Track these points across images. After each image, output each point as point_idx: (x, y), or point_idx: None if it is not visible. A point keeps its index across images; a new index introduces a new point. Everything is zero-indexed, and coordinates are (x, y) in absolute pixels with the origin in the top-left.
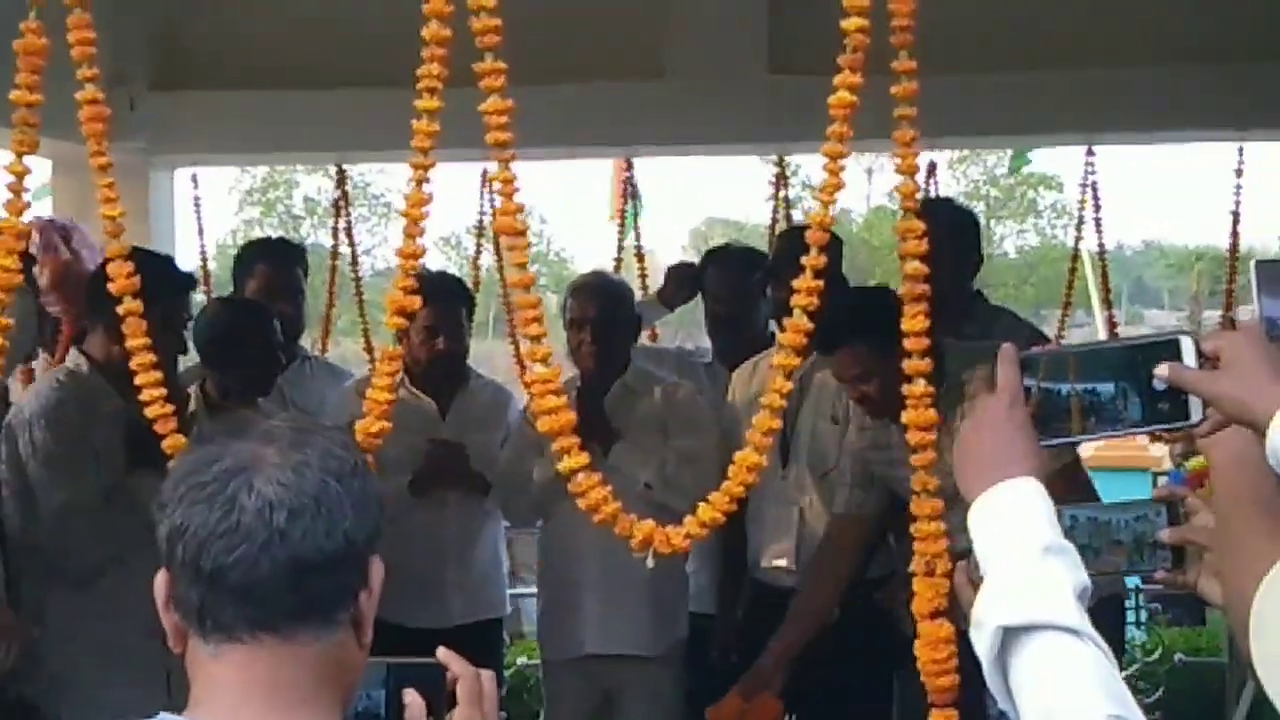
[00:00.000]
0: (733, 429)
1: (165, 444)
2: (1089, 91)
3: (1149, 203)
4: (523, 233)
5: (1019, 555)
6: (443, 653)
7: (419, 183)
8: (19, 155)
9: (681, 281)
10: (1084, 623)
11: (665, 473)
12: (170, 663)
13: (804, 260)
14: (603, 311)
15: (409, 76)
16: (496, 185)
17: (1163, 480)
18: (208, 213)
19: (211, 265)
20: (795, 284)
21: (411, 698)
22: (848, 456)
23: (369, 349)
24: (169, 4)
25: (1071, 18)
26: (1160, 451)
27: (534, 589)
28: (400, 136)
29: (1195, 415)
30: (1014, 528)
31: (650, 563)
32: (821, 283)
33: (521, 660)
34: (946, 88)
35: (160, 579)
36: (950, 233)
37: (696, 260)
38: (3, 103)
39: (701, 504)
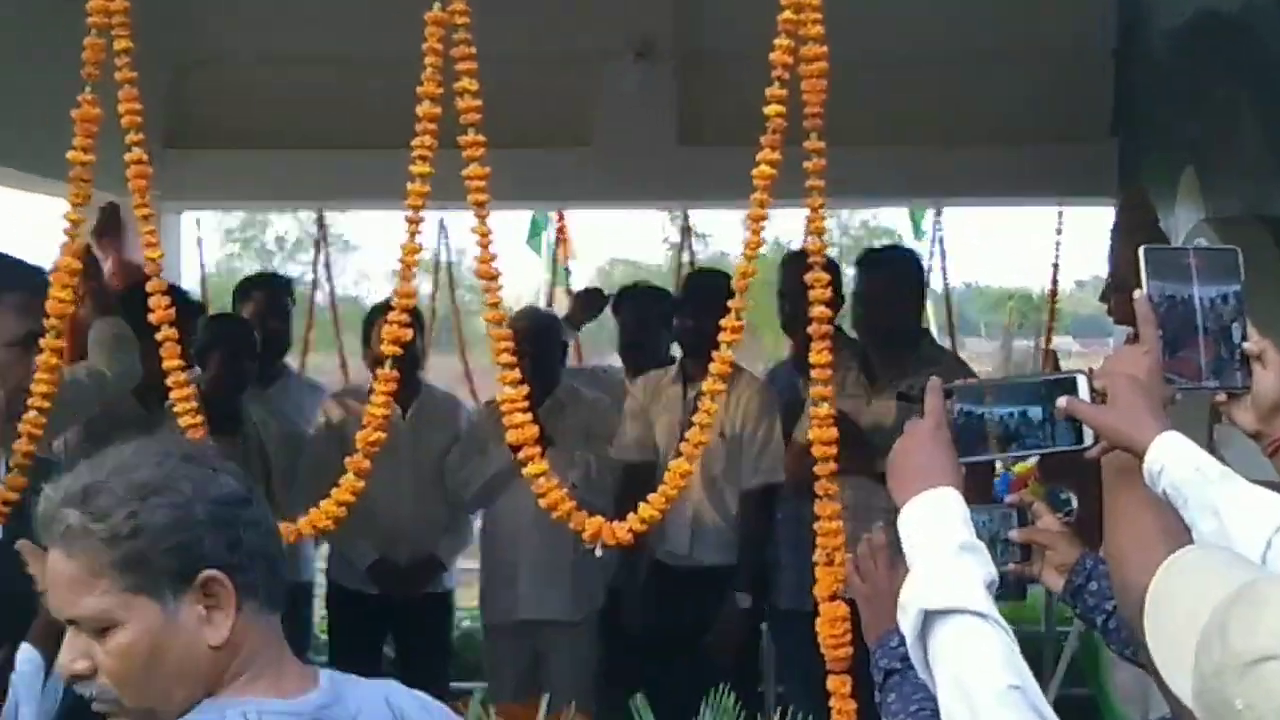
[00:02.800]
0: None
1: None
2: (940, 165)
3: (969, 251)
4: (496, 277)
5: (939, 551)
6: None
7: (412, 235)
8: (75, 205)
9: (586, 305)
10: (991, 608)
11: (590, 474)
12: None
13: (730, 303)
14: (536, 347)
15: (378, 139)
16: (475, 238)
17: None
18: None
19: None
20: (722, 322)
21: None
22: None
23: (343, 364)
24: (178, 74)
25: (924, 108)
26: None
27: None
28: (370, 189)
29: (1088, 440)
30: (936, 529)
31: (599, 552)
32: (743, 322)
33: (466, 623)
34: (829, 159)
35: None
36: (910, 276)
37: (604, 289)
38: (54, 158)
39: (642, 504)
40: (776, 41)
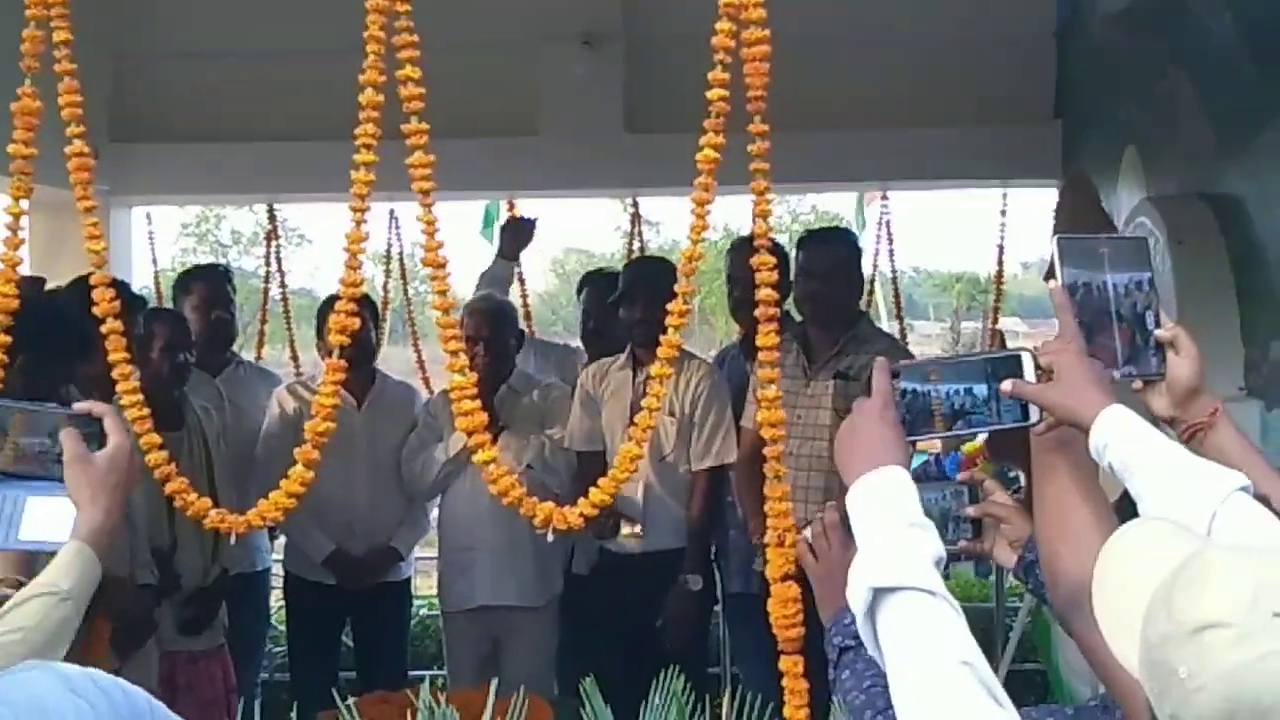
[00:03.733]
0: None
1: (141, 441)
2: (885, 148)
3: (916, 235)
4: (443, 265)
5: (888, 529)
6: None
7: (357, 224)
8: (16, 199)
9: (516, 234)
10: (940, 585)
11: (545, 457)
12: None
13: (676, 287)
14: (493, 330)
15: (327, 131)
16: (420, 226)
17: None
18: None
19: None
20: (669, 306)
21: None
22: None
23: (294, 356)
24: (126, 68)
25: (869, 92)
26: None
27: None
28: (320, 180)
29: (1034, 417)
30: (884, 507)
31: (550, 537)
32: (690, 306)
33: (424, 611)
34: (774, 144)
35: None
36: (847, 255)
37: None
38: None
39: (592, 488)
40: (718, 25)
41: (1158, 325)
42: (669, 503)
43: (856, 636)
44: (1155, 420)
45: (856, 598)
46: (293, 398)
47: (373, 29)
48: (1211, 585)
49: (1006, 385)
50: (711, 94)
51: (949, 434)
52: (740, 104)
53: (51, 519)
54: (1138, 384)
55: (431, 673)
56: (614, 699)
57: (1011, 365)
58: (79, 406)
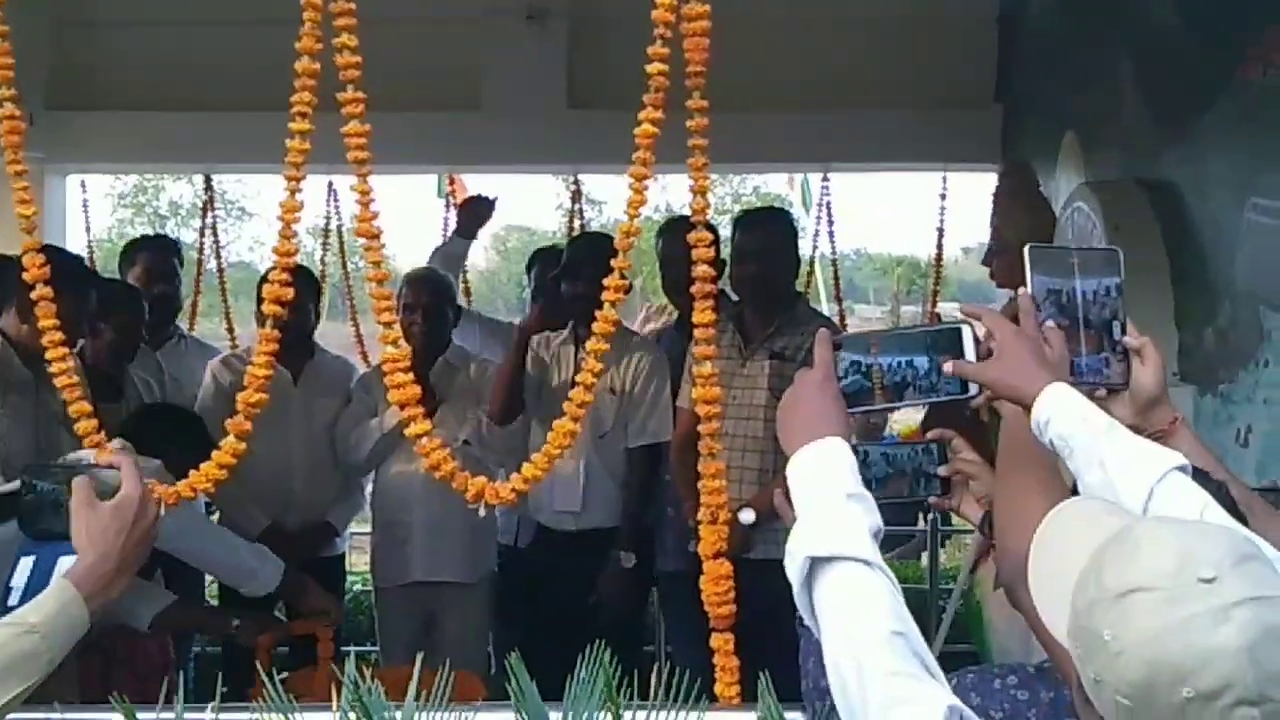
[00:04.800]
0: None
1: (70, 409)
2: (826, 130)
3: (857, 217)
4: (378, 235)
5: (826, 500)
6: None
7: (292, 193)
8: None
9: (473, 212)
10: (876, 556)
11: (481, 433)
12: None
13: (613, 262)
14: (431, 299)
15: (265, 101)
16: (355, 196)
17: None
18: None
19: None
20: (606, 281)
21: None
22: None
23: (230, 329)
24: (63, 36)
25: (810, 74)
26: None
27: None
28: (258, 151)
29: (973, 389)
30: (823, 477)
31: (482, 512)
32: (627, 281)
33: (357, 587)
34: (714, 124)
35: None
36: (783, 235)
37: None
38: None
39: (525, 464)
40: (658, 0)
41: (1123, 333)
42: (607, 480)
43: None
44: None
45: (794, 567)
46: (227, 370)
47: None
48: (1140, 554)
49: (948, 366)
50: (651, 68)
51: (889, 405)
52: (682, 83)
53: None
54: (1101, 392)
55: (365, 649)
56: (548, 675)
57: (951, 338)
58: (101, 458)
